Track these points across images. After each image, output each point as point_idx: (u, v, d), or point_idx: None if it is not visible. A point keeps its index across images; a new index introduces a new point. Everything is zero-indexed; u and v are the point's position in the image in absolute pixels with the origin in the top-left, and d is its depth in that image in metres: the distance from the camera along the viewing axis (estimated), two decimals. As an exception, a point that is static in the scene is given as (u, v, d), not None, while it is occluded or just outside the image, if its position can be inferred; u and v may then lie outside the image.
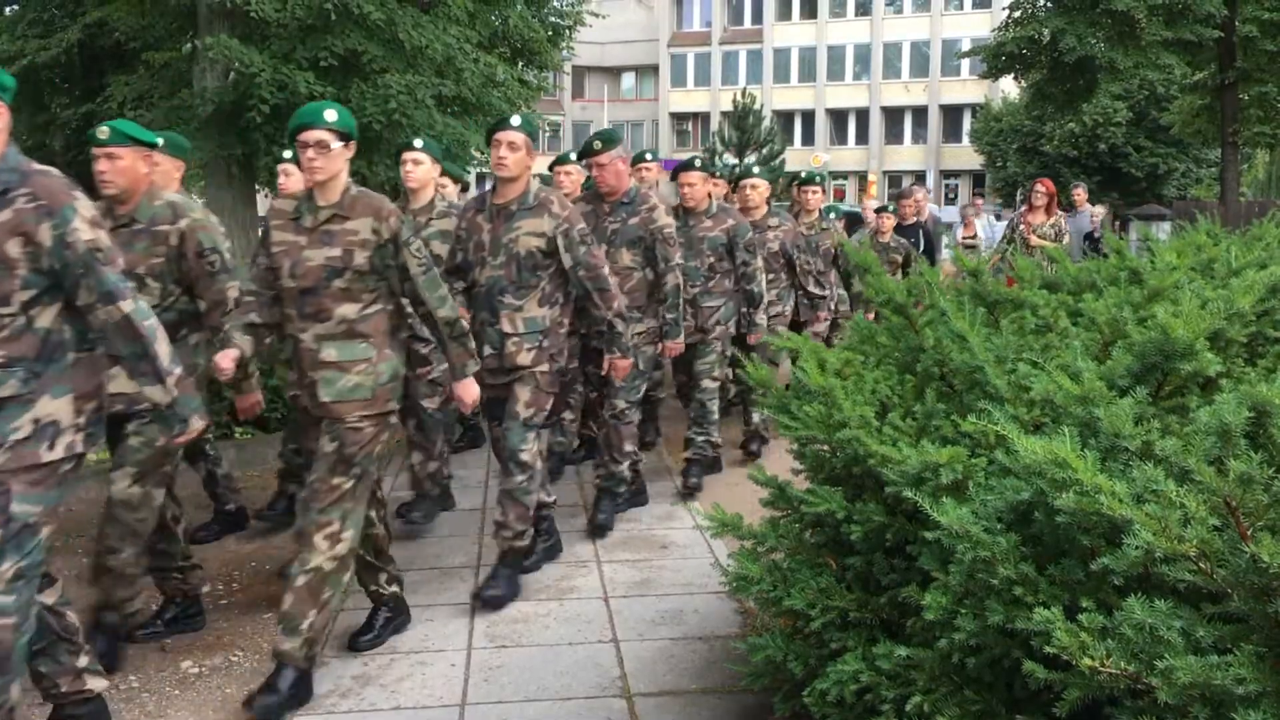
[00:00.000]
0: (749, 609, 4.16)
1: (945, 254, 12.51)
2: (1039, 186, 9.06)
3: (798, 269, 6.79)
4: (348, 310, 3.52)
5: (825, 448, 3.09)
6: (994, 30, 22.09)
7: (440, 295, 3.61)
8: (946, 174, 48.63)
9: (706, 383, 5.97)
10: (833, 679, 2.58)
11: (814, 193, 7.23)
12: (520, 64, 15.69)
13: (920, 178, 48.12)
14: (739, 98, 35.60)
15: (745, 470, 3.42)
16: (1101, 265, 4.18)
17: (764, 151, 34.31)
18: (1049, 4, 18.57)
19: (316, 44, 10.15)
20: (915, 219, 9.35)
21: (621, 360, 4.59)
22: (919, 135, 49.37)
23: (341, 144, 3.49)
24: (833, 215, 8.39)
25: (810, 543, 3.05)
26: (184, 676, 3.75)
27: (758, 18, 50.87)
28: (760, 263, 6.03)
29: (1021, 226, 8.86)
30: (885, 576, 2.76)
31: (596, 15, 18.59)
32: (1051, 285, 4.00)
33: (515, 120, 4.32)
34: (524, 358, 4.26)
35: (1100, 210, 10.55)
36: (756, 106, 35.48)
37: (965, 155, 44.99)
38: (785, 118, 49.85)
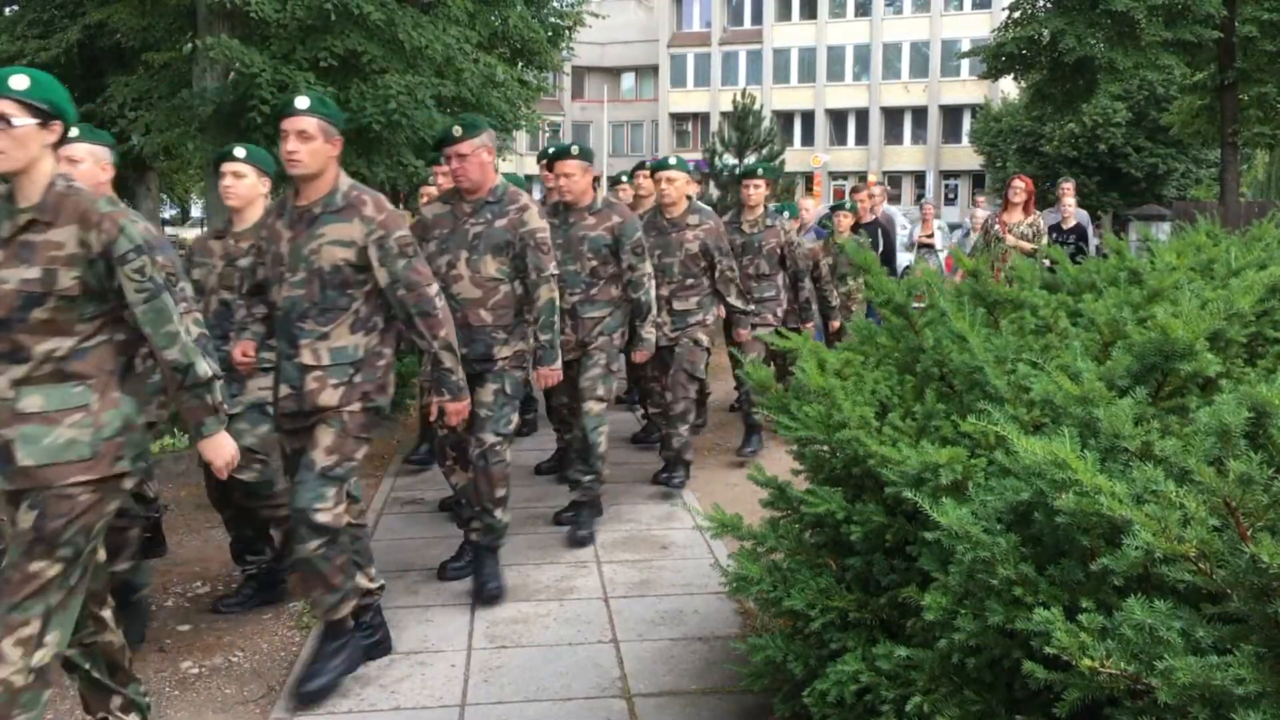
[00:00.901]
0: (749, 609, 4.16)
1: (906, 257, 11.90)
2: (1016, 183, 8.45)
3: (724, 272, 6.06)
4: (54, 346, 2.72)
5: (825, 448, 3.09)
6: (994, 31, 22.10)
7: (168, 331, 2.76)
8: (946, 174, 48.64)
9: (591, 405, 5.10)
10: (833, 679, 2.58)
11: (755, 187, 6.60)
12: (520, 64, 15.69)
13: (920, 178, 48.19)
14: (739, 98, 35.49)
15: (745, 471, 3.42)
16: (1101, 265, 4.18)
17: (764, 152, 34.21)
18: (1049, 4, 18.58)
19: (316, 44, 10.15)
20: (871, 216, 8.97)
21: (453, 404, 3.78)
22: (919, 136, 49.38)
23: (34, 121, 2.65)
24: (785, 214, 7.79)
25: (810, 543, 3.05)
26: (184, 677, 3.75)
27: (757, 18, 50.88)
28: (648, 268, 5.28)
29: (997, 226, 8.23)
30: (885, 577, 2.76)
31: (596, 16, 18.59)
32: (1051, 286, 4.01)
33: (302, 102, 3.45)
34: (327, 396, 3.45)
35: (1070, 204, 9.71)
36: (756, 107, 35.38)
37: (965, 156, 44.99)
38: (785, 118, 49.84)
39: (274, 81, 9.83)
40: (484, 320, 4.31)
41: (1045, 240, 8.10)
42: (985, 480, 2.41)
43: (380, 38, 10.45)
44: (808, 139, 50.08)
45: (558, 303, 4.45)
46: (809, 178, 40.27)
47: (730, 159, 33.01)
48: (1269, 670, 1.77)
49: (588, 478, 5.21)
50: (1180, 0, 16.27)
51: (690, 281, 6.07)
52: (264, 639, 4.07)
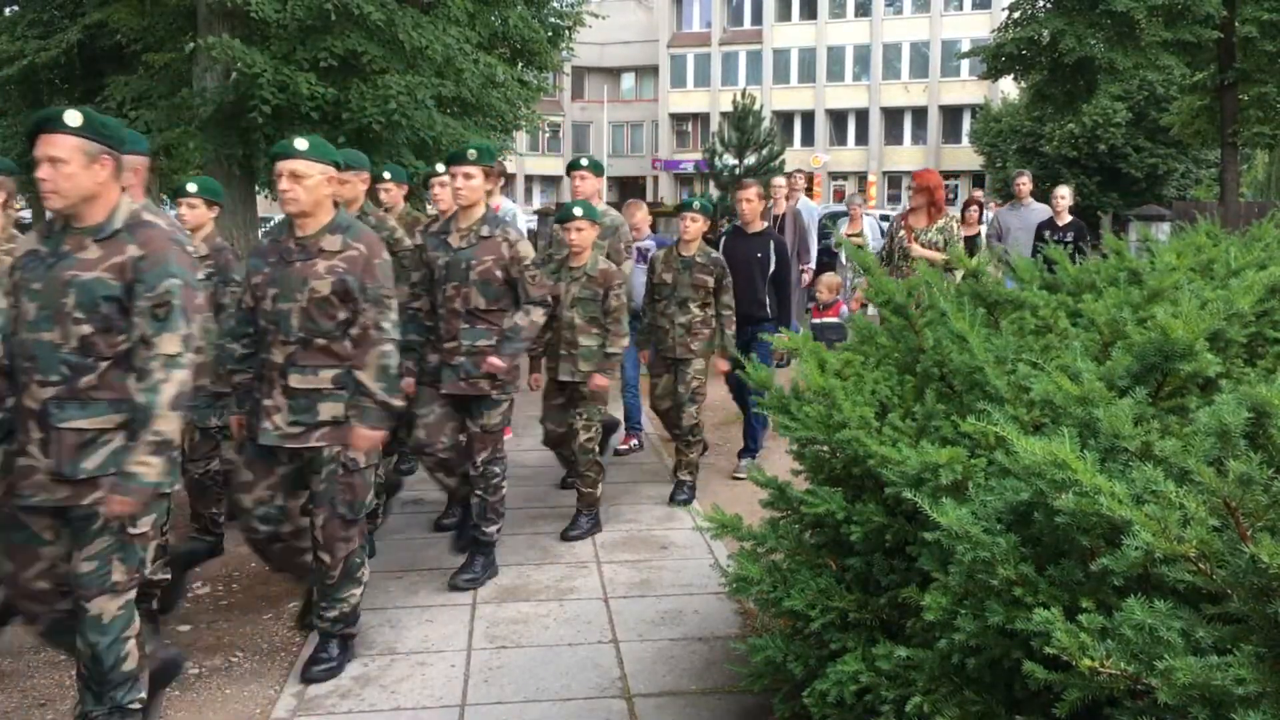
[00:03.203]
0: (749, 610, 4.16)
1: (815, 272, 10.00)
2: (914, 181, 7.00)
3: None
4: None
5: (825, 448, 3.09)
6: (994, 31, 22.12)
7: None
8: (946, 175, 48.51)
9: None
10: (832, 680, 2.58)
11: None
12: (520, 64, 15.68)
13: (920, 178, 48.08)
14: (738, 98, 35.48)
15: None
16: (1101, 265, 4.18)
17: (764, 152, 34.23)
18: (1049, 5, 18.59)
19: (316, 44, 10.15)
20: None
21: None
22: (919, 136, 49.37)
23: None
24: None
25: (810, 543, 3.05)
26: (184, 676, 3.75)
27: (757, 18, 50.86)
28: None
29: (902, 232, 6.87)
30: (885, 577, 2.76)
31: (596, 16, 18.58)
32: (1051, 286, 4.01)
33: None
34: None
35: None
36: (756, 107, 35.37)
37: (965, 156, 44.98)
38: (785, 118, 49.85)
39: (274, 81, 9.83)
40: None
41: (962, 247, 6.51)
42: (985, 480, 2.41)
43: (380, 38, 10.45)
44: (808, 139, 50.07)
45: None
46: (809, 178, 40.27)
47: (730, 159, 32.97)
48: (1269, 670, 1.77)
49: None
50: (1180, 0, 16.27)
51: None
52: (264, 639, 4.07)
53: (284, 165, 3.52)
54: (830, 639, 2.76)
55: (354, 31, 10.28)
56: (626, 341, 5.24)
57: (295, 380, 3.55)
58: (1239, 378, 2.69)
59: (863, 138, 49.91)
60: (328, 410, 3.56)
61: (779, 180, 9.71)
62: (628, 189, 54.04)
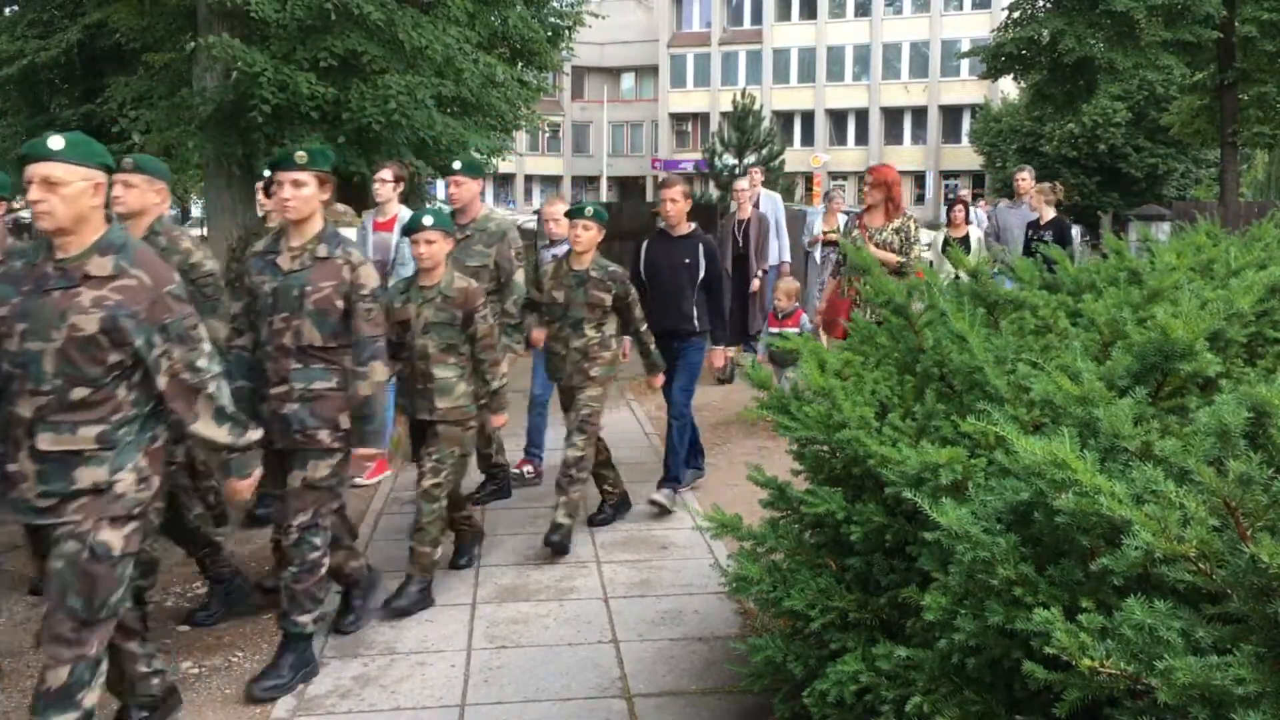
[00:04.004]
0: (749, 610, 4.16)
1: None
2: (868, 176, 6.40)
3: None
4: None
5: (825, 448, 3.09)
6: (993, 31, 22.13)
7: None
8: (946, 174, 48.64)
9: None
10: (832, 680, 2.58)
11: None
12: (520, 64, 15.68)
13: (920, 178, 48.20)
14: (738, 98, 35.58)
15: (744, 471, 3.43)
16: (1101, 265, 4.18)
17: (764, 152, 34.30)
18: (1048, 5, 18.60)
19: (316, 44, 10.15)
20: (676, 223, 5.75)
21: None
22: (919, 136, 49.40)
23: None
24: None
25: (810, 543, 3.05)
26: (184, 677, 3.75)
27: (757, 18, 50.89)
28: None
29: (856, 231, 6.36)
30: (885, 577, 2.76)
31: (596, 16, 18.59)
32: (1051, 286, 4.01)
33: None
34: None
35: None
36: (756, 107, 35.47)
37: (965, 156, 45.02)
38: (785, 118, 49.89)
39: (274, 81, 9.84)
40: None
41: (920, 250, 6.30)
42: (985, 480, 2.41)
43: (380, 38, 10.45)
44: (807, 139, 50.10)
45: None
46: (809, 178, 40.34)
47: (730, 159, 32.99)
48: (1269, 670, 1.77)
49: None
50: (1180, 0, 16.27)
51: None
52: (264, 639, 4.07)
53: (34, 170, 2.76)
54: (830, 639, 2.76)
55: (354, 31, 10.28)
56: (505, 368, 4.59)
57: (46, 441, 2.80)
58: (1239, 378, 2.69)
59: (863, 138, 49.94)
60: (87, 476, 2.81)
61: (741, 184, 9.27)
62: (627, 189, 54.09)
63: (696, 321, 5.67)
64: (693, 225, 5.80)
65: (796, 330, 7.43)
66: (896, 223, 6.16)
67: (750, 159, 33.67)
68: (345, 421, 3.71)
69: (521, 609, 4.33)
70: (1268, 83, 18.38)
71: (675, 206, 5.69)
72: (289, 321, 3.68)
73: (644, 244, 5.88)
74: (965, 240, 8.86)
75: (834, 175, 47.02)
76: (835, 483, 3.03)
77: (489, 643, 4.00)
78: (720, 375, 9.34)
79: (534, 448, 6.39)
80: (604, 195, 52.85)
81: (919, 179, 48.61)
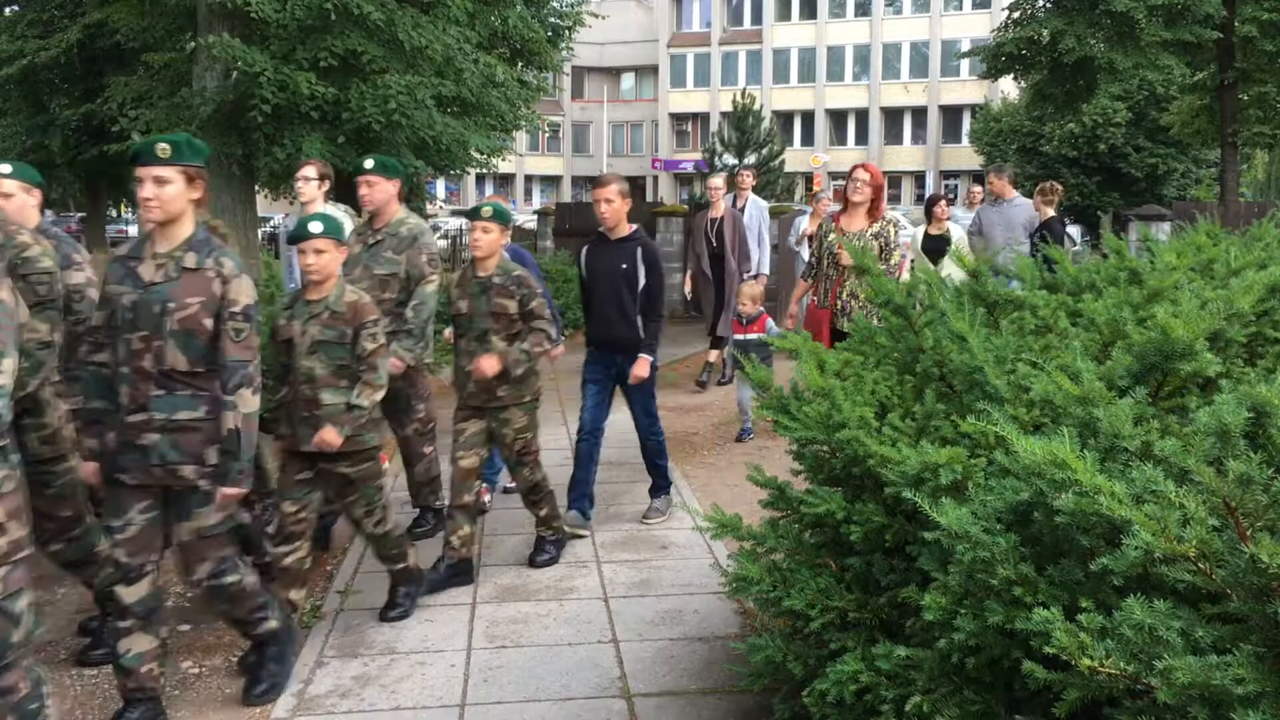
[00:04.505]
0: (749, 610, 4.16)
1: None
2: (859, 174, 5.93)
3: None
4: None
5: (825, 448, 3.09)
6: (993, 31, 22.13)
7: None
8: (946, 174, 48.66)
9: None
10: (832, 679, 2.58)
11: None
12: (520, 64, 15.71)
13: (920, 178, 48.22)
14: (738, 98, 35.57)
15: (744, 471, 3.43)
16: (1101, 265, 4.18)
17: (764, 152, 34.30)
18: (1048, 5, 18.60)
19: (316, 44, 10.16)
20: (613, 225, 5.23)
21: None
22: (918, 136, 49.41)
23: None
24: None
25: (810, 543, 3.05)
26: (184, 677, 3.75)
27: (757, 18, 50.90)
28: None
29: (833, 235, 5.93)
30: (885, 577, 2.76)
31: (596, 16, 18.63)
32: (1051, 286, 4.01)
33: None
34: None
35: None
36: (756, 107, 35.47)
37: (965, 156, 45.03)
38: (785, 118, 49.90)
39: (274, 81, 9.84)
40: None
41: (900, 255, 5.95)
42: (985, 480, 2.41)
43: (380, 38, 10.46)
44: (807, 139, 50.11)
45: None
46: (809, 178, 40.36)
47: (730, 159, 32.99)
48: (1269, 670, 1.77)
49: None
50: (1180, 0, 16.28)
51: None
52: (264, 639, 4.07)
53: None
54: (830, 639, 2.76)
55: (354, 31, 10.29)
56: (379, 395, 3.95)
57: None
58: (1239, 378, 2.69)
59: (862, 137, 49.95)
60: None
61: (714, 180, 9.09)
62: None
63: (639, 331, 5.22)
64: (634, 228, 5.30)
65: (763, 336, 7.04)
66: (876, 227, 5.86)
67: (750, 159, 33.67)
68: (214, 456, 3.27)
69: (521, 609, 4.33)
70: (1268, 83, 18.40)
71: (611, 208, 5.16)
72: (149, 342, 3.21)
73: (584, 248, 5.46)
74: (945, 238, 8.68)
75: (834, 175, 47.02)
76: (835, 483, 3.03)
77: (489, 642, 4.00)
78: (700, 379, 9.26)
79: (490, 472, 5.87)
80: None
81: (919, 179, 48.63)
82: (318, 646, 3.97)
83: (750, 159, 33.61)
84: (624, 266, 5.18)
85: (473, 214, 4.65)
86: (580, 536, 5.22)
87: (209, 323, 3.24)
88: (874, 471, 2.70)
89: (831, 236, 5.95)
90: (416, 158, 11.40)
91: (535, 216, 18.91)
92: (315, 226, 3.82)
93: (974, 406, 2.74)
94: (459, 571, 4.59)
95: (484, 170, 15.52)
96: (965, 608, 2.25)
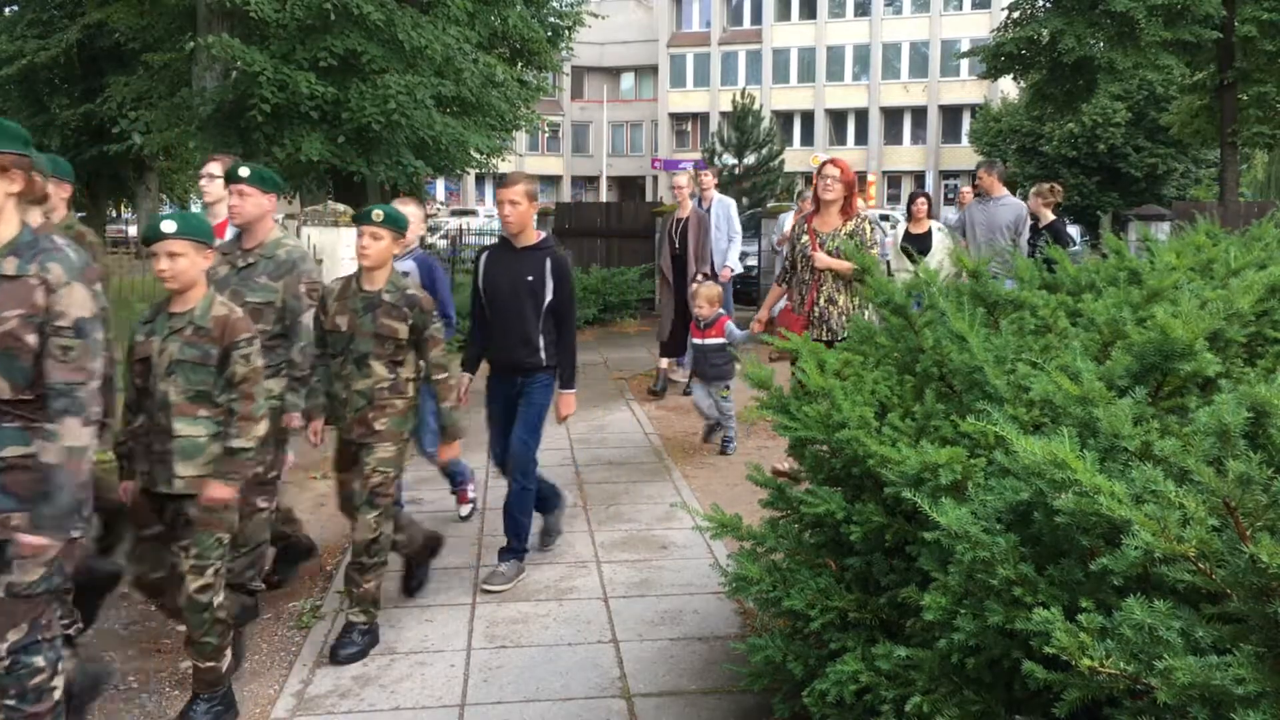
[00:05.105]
0: (749, 610, 4.16)
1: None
2: (829, 170, 5.65)
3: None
4: None
5: (825, 448, 3.09)
6: (993, 31, 22.14)
7: None
8: (946, 174, 48.65)
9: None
10: (832, 679, 2.59)
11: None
12: (520, 64, 15.72)
13: (920, 178, 48.23)
14: (738, 98, 35.56)
15: (744, 471, 3.43)
16: (1101, 265, 4.18)
17: (763, 152, 34.30)
18: (1048, 4, 18.61)
19: (316, 44, 10.17)
20: (518, 231, 4.61)
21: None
22: (918, 136, 49.42)
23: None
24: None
25: (809, 543, 3.05)
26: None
27: (757, 18, 50.90)
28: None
29: (805, 237, 5.69)
30: (885, 577, 2.76)
31: (596, 16, 18.63)
32: (1051, 286, 4.01)
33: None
34: None
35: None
36: (756, 107, 35.46)
37: (964, 155, 45.02)
38: (784, 118, 49.89)
39: (274, 81, 9.85)
40: None
41: (877, 250, 5.61)
42: (985, 480, 2.41)
43: (380, 38, 10.47)
44: (807, 139, 50.11)
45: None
46: (809, 178, 40.30)
47: (730, 159, 32.99)
48: (1269, 670, 1.77)
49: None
50: (1180, 0, 16.29)
51: None
52: (264, 639, 4.07)
53: None
54: (830, 639, 2.76)
55: (353, 31, 10.30)
56: (261, 430, 3.31)
57: None
58: (1239, 378, 2.69)
59: (862, 137, 49.95)
60: None
61: (680, 180, 8.66)
62: (627, 189, 54.11)
63: (543, 353, 4.56)
64: (542, 235, 4.71)
65: (722, 340, 6.71)
66: (850, 226, 5.59)
67: (750, 158, 33.68)
68: None
69: (521, 609, 4.33)
70: (1267, 83, 18.40)
71: (516, 210, 4.51)
72: None
73: (482, 255, 4.77)
74: (927, 236, 8.50)
75: (834, 175, 46.96)
76: (835, 483, 3.03)
77: (489, 642, 4.00)
78: (653, 387, 8.90)
79: (458, 479, 5.55)
80: (604, 195, 52.87)
81: (919, 179, 48.64)
82: (317, 646, 3.97)
83: (750, 159, 33.62)
84: (529, 279, 4.53)
85: (361, 218, 4.02)
86: (499, 591, 4.49)
87: (32, 339, 2.69)
88: (874, 471, 2.70)
89: (805, 239, 5.68)
90: (416, 158, 11.40)
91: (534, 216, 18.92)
92: (168, 225, 3.25)
93: (974, 406, 2.74)
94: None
95: (484, 170, 15.53)
96: (965, 608, 2.25)
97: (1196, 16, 16.64)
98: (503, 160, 15.65)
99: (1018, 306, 3.52)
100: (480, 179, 48.43)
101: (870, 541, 2.77)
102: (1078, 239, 22.55)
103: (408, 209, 4.93)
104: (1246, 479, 1.82)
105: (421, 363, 4.10)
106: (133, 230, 28.57)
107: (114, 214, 31.75)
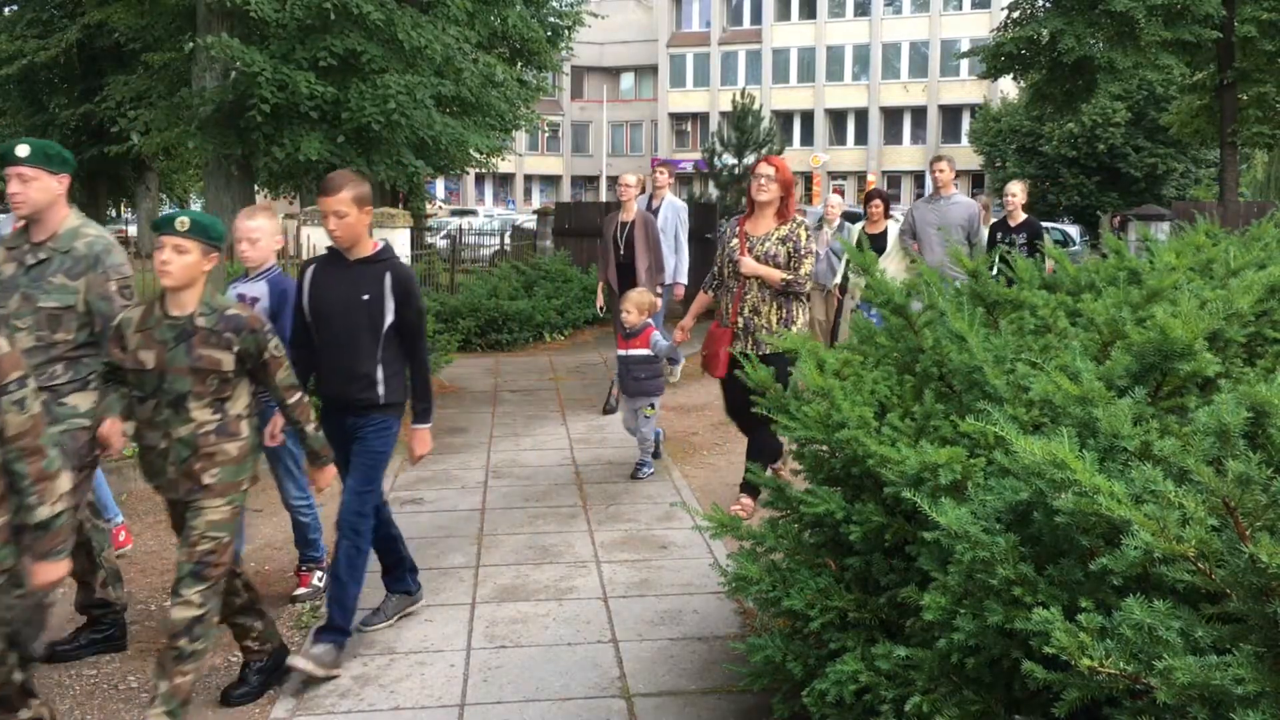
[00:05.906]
0: (748, 609, 4.16)
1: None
2: (763, 168, 5.24)
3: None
4: None
5: (824, 448, 3.09)
6: (993, 31, 22.15)
7: None
8: (945, 174, 48.62)
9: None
10: (832, 679, 2.59)
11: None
12: (519, 64, 15.73)
13: (920, 178, 48.23)
14: (738, 98, 35.54)
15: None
16: (1101, 265, 4.18)
17: (763, 152, 34.32)
18: (1048, 4, 18.63)
19: (315, 44, 10.17)
20: (349, 245, 3.84)
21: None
22: (918, 135, 49.43)
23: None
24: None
25: (809, 543, 3.05)
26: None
27: (757, 18, 50.91)
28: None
29: (734, 241, 5.27)
30: (884, 577, 2.76)
31: (596, 16, 18.65)
32: (1051, 286, 4.01)
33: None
34: None
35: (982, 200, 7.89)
36: (755, 107, 35.45)
37: (964, 155, 44.97)
38: (784, 118, 49.88)
39: (274, 80, 9.85)
40: None
41: (810, 265, 5.17)
42: (984, 480, 2.41)
43: (379, 38, 10.48)
44: (807, 139, 50.12)
45: None
46: (808, 178, 40.39)
47: (730, 159, 33.01)
48: (1268, 670, 1.77)
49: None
50: (1180, 0, 16.30)
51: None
52: (263, 639, 4.07)
53: None
54: (829, 639, 2.76)
55: (353, 31, 10.30)
56: (65, 484, 2.65)
57: None
58: (1238, 378, 2.69)
59: (862, 137, 49.96)
60: None
61: (627, 178, 7.63)
62: (627, 189, 54.04)
63: (381, 387, 3.78)
64: (379, 245, 3.86)
65: (647, 352, 6.14)
66: (784, 230, 5.14)
67: (750, 158, 33.69)
68: None
69: (521, 609, 4.33)
70: (1267, 83, 18.42)
71: (343, 223, 3.70)
72: None
73: (307, 269, 3.93)
74: (883, 236, 8.30)
75: (833, 175, 47.07)
76: (834, 482, 3.03)
77: (488, 642, 4.00)
78: (608, 405, 7.90)
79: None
80: (604, 195, 52.85)
81: (919, 179, 48.63)
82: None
83: (750, 158, 33.64)
84: (365, 297, 3.74)
85: (161, 225, 3.21)
86: (321, 680, 3.66)
87: None
88: (873, 471, 2.70)
89: (734, 243, 5.21)
90: (416, 157, 11.40)
91: (534, 216, 18.92)
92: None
93: (973, 406, 2.74)
94: (272, 663, 3.66)
95: (483, 170, 15.54)
96: (965, 608, 2.26)
97: (1196, 16, 16.65)
98: (502, 160, 15.66)
99: (1017, 306, 3.52)
100: (480, 179, 48.42)
101: (870, 541, 2.77)
102: (1077, 239, 22.56)
103: (256, 221, 4.21)
104: (1246, 479, 1.82)
105: (256, 392, 3.39)
106: (133, 230, 28.58)
107: (114, 214, 31.75)
